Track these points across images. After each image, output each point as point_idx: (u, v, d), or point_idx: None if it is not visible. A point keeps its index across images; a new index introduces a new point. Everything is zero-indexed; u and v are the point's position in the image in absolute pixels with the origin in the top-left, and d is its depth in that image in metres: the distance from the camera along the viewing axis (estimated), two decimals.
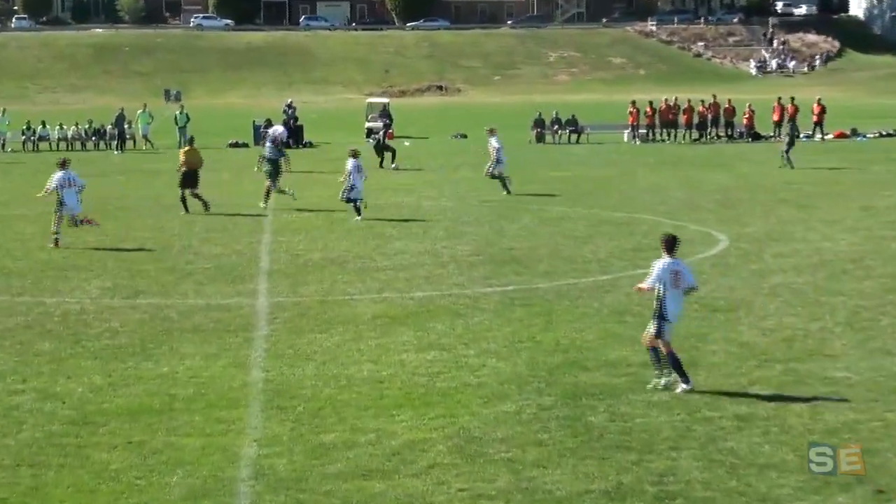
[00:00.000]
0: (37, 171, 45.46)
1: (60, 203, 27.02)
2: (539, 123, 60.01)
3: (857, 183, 38.12)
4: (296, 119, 58.46)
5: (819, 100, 58.49)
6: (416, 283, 22.25)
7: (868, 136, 58.93)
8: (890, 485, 11.75)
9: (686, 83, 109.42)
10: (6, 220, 32.19)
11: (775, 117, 57.47)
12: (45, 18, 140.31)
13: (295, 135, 54.18)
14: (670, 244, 15.01)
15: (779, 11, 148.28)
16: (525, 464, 12.40)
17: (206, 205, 32.19)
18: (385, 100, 72.59)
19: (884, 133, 60.00)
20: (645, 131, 58.81)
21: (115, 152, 56.45)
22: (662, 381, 14.94)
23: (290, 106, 59.80)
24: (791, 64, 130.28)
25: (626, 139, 58.77)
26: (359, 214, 30.63)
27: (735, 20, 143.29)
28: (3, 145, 58.63)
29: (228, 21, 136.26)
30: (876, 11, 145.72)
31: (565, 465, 12.36)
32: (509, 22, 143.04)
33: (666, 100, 60.25)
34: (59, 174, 27.35)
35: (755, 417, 13.86)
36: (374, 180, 41.13)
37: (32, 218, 30.97)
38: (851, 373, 15.71)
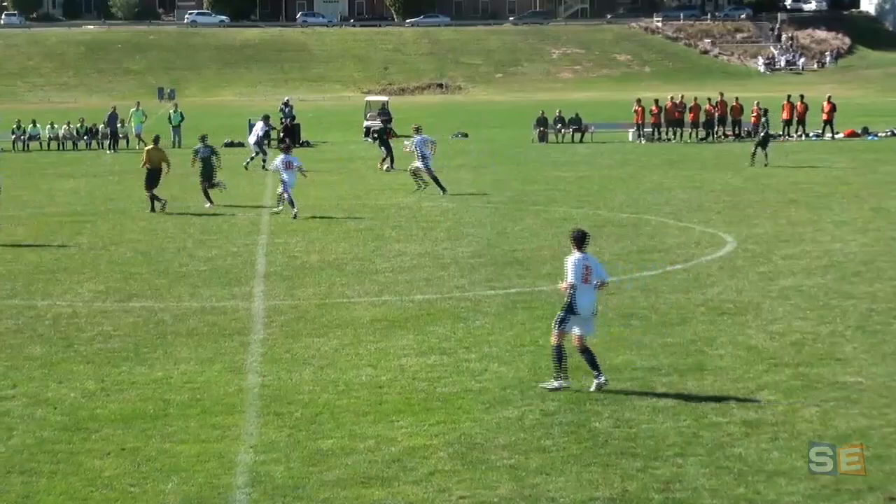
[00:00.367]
0: (27, 172, 45.38)
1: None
2: (542, 122, 59.72)
3: (868, 183, 37.86)
4: (293, 118, 58.21)
5: (829, 98, 58.30)
6: (417, 286, 22.04)
7: (879, 135, 58.46)
8: None
9: (693, 81, 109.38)
10: None
11: (784, 116, 57.22)
12: (35, 15, 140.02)
13: (292, 134, 53.92)
14: (580, 240, 15.40)
15: (788, 7, 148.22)
16: (528, 471, 12.26)
17: (160, 204, 32.45)
18: (384, 98, 72.53)
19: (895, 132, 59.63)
20: (650, 130, 58.47)
21: (108, 152, 56.26)
22: (602, 378, 14.85)
23: (286, 104, 59.56)
24: (800, 61, 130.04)
25: (631, 138, 58.53)
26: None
27: (743, 16, 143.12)
28: None
29: (223, 17, 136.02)
30: (887, 6, 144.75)
31: (569, 471, 12.21)
32: (511, 18, 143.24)
33: (672, 98, 59.86)
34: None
35: (763, 423, 13.67)
36: (374, 180, 41.04)
37: (22, 219, 30.72)
38: (862, 377, 15.52)
